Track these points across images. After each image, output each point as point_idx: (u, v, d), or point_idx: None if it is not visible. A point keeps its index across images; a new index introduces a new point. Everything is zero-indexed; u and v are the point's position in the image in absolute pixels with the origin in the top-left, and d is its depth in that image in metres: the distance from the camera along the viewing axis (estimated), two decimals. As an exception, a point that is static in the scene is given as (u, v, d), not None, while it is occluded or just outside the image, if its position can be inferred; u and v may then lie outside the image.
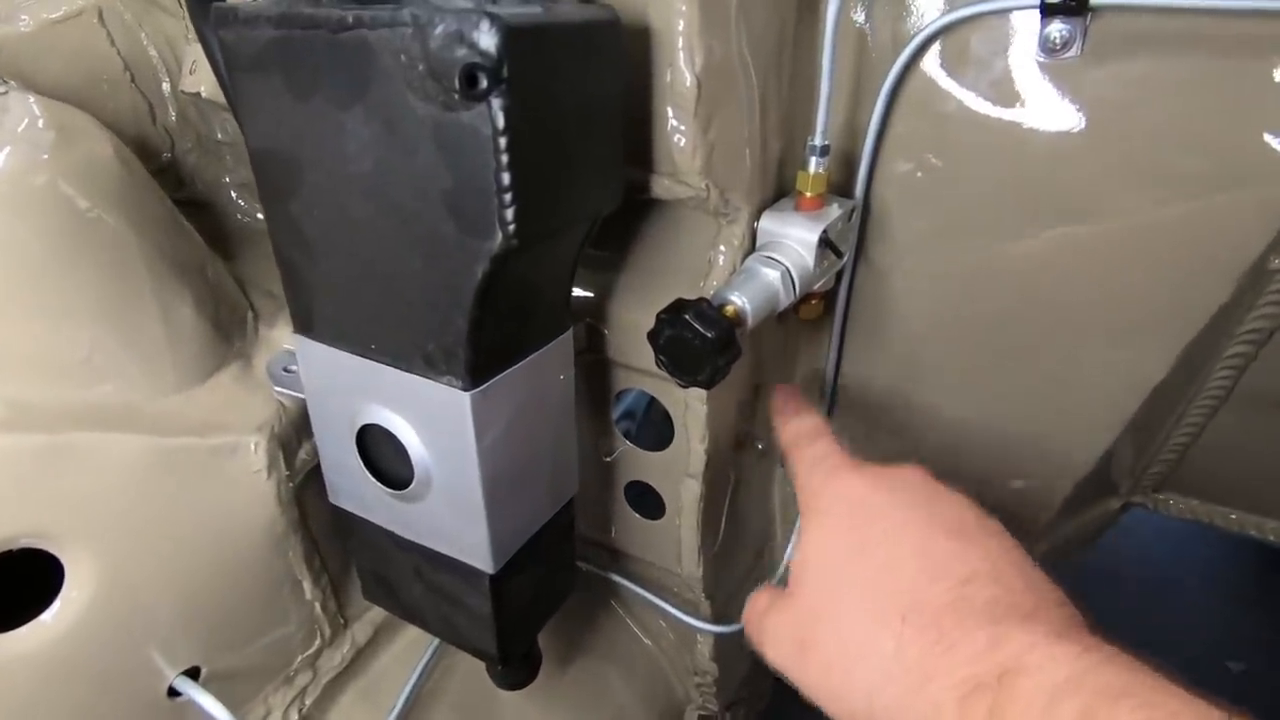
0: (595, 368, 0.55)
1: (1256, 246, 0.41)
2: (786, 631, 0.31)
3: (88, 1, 0.54)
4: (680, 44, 0.38)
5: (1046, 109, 0.44)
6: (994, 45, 0.44)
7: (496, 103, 0.28)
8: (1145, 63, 0.41)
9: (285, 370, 0.50)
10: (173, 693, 0.45)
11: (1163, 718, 0.19)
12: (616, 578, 0.69)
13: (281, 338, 0.53)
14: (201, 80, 0.54)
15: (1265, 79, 0.39)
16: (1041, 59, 0.43)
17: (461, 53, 0.28)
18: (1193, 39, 0.39)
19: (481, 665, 0.55)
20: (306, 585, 0.51)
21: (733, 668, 0.74)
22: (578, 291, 0.52)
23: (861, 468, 0.34)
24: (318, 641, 0.53)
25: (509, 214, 0.31)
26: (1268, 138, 0.39)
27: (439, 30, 0.28)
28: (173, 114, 0.60)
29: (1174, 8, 0.38)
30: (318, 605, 0.52)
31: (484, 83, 0.28)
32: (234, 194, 0.64)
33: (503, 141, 0.29)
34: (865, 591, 0.29)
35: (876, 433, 0.61)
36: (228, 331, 0.50)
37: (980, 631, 0.24)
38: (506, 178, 0.30)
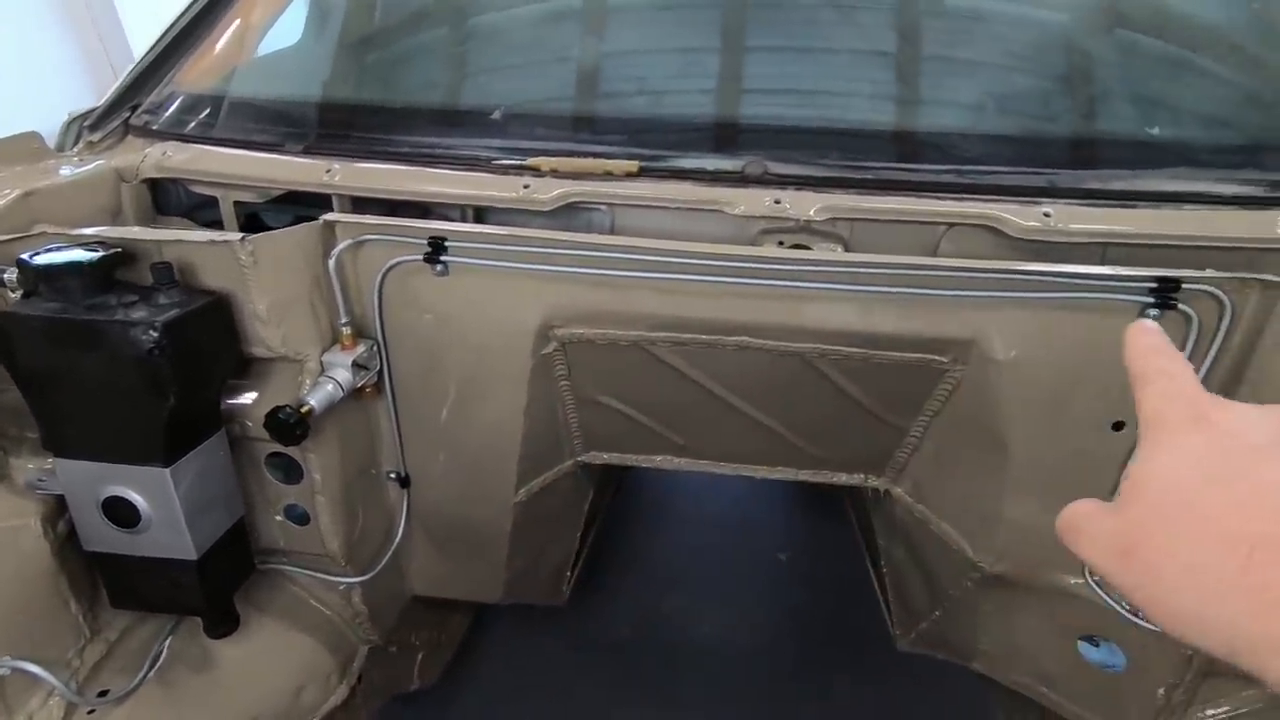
0: (248, 444, 0.99)
1: (529, 346, 0.99)
2: (1108, 539, 0.34)
3: None
4: (254, 298, 0.86)
5: (440, 295, 0.99)
6: (415, 270, 0.98)
7: (164, 359, 0.74)
8: (475, 277, 0.97)
9: (38, 481, 0.86)
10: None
11: None
12: (288, 567, 1.11)
13: (23, 463, 0.89)
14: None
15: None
16: (434, 275, 0.97)
17: (145, 338, 0.73)
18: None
19: (200, 629, 0.95)
20: (72, 604, 0.87)
21: (383, 606, 1.21)
22: (236, 402, 0.95)
23: (1231, 404, 0.35)
24: (83, 639, 0.89)
25: (175, 390, 0.76)
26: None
27: (134, 330, 0.73)
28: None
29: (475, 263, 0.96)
30: (80, 615, 0.88)
31: (157, 351, 0.73)
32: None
33: (168, 369, 0.75)
34: (1213, 518, 0.31)
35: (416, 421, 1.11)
36: (-7, 464, 0.85)
37: None
38: (171, 379, 0.75)
